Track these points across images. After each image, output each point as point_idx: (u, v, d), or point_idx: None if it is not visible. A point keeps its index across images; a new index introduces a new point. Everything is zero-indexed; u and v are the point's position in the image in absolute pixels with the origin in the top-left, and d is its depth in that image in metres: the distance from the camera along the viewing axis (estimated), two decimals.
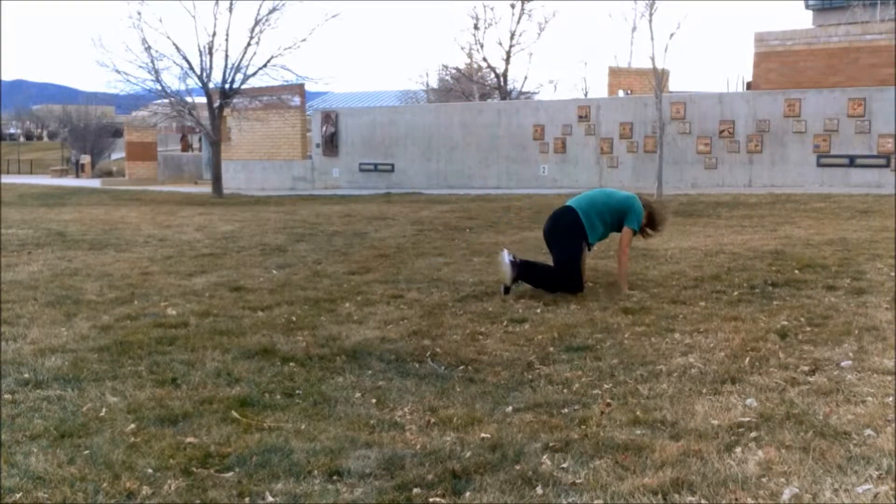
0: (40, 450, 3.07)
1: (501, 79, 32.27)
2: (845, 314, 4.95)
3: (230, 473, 2.87)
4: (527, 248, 8.43)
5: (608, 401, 3.57)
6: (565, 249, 6.03)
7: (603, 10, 57.33)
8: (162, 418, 3.41)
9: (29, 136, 75.61)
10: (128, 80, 20.93)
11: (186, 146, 42.65)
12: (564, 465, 2.87)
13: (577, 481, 2.74)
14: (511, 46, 31.68)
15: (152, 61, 20.50)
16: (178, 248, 9.05)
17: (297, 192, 22.64)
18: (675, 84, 26.61)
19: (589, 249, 6.23)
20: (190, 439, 3.17)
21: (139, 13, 20.57)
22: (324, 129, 24.11)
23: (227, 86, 21.10)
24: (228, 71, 20.98)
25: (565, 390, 3.76)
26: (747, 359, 4.08)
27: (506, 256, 5.96)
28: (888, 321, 4.71)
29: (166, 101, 21.78)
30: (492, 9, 36.12)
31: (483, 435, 3.19)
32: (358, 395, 3.76)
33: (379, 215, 12.86)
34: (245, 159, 26.11)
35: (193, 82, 21.41)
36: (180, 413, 3.47)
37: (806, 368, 3.89)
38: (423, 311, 5.49)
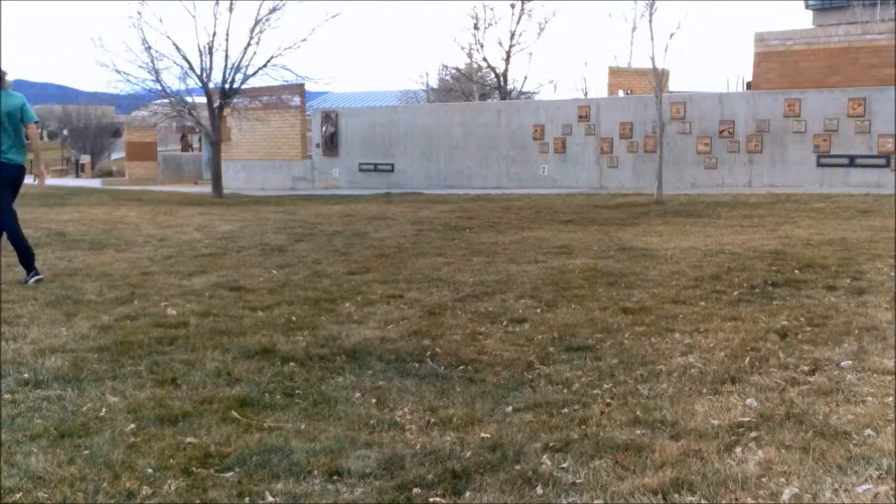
0: (40, 450, 3.07)
1: (501, 79, 32.27)
2: (845, 314, 4.95)
3: (230, 473, 2.87)
4: (526, 248, 8.43)
5: (608, 401, 3.57)
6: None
7: (603, 10, 57.14)
8: (162, 418, 3.41)
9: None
10: (128, 80, 20.96)
11: (186, 146, 42.64)
12: (564, 465, 2.87)
13: (577, 481, 2.74)
14: (511, 46, 31.69)
15: (152, 61, 20.52)
16: (178, 248, 9.05)
17: (297, 191, 22.64)
18: (675, 84, 26.61)
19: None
20: (190, 439, 3.17)
21: (139, 13, 20.56)
22: (324, 129, 24.12)
23: (227, 86, 21.10)
24: (228, 71, 20.99)
25: (565, 390, 3.76)
26: (747, 359, 4.08)
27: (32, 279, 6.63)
28: (888, 321, 4.71)
29: (166, 101, 21.79)
30: (492, 9, 36.10)
31: (483, 435, 3.19)
32: (358, 395, 3.76)
33: (379, 215, 12.85)
34: (245, 159, 26.12)
35: (193, 82, 21.43)
36: (180, 413, 3.47)
37: (806, 368, 3.90)
38: (423, 311, 5.49)
